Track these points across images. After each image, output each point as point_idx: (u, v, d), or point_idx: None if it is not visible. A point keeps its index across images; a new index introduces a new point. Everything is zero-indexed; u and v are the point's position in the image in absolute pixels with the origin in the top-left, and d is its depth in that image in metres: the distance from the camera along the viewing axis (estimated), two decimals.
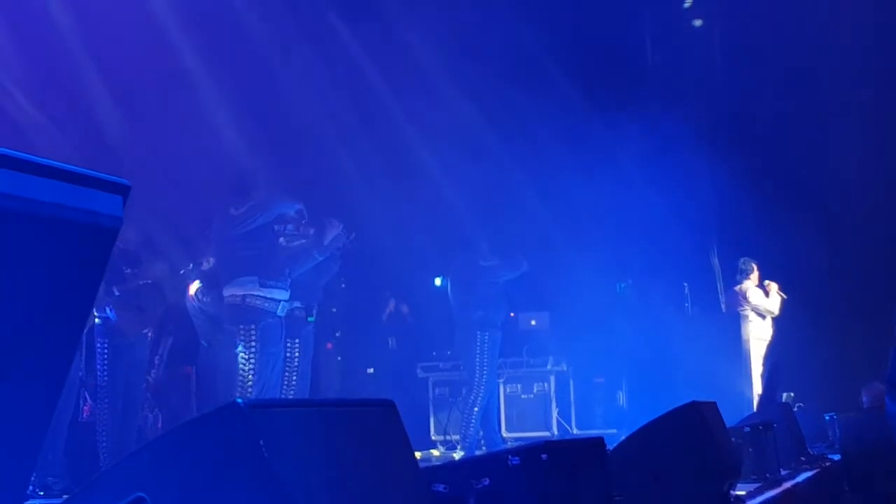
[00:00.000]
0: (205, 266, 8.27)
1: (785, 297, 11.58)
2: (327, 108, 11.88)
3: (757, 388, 11.06)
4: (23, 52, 9.59)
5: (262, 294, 7.25)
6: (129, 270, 7.67)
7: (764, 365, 11.21)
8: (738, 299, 11.66)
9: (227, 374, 7.51)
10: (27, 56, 9.61)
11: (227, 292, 7.36)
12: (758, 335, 11.55)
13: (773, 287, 11.60)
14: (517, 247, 10.17)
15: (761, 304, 11.51)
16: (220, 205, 7.55)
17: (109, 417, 7.64)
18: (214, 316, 8.08)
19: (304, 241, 8.01)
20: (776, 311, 11.59)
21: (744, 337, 11.50)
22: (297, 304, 8.05)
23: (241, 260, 7.33)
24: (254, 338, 7.19)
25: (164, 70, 10.49)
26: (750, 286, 11.61)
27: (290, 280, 7.49)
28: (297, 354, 8.30)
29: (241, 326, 7.22)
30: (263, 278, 7.26)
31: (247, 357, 7.19)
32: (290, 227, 7.84)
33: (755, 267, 11.72)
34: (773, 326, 11.67)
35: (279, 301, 7.36)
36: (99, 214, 1.77)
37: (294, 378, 8.25)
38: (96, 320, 7.62)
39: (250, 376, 7.18)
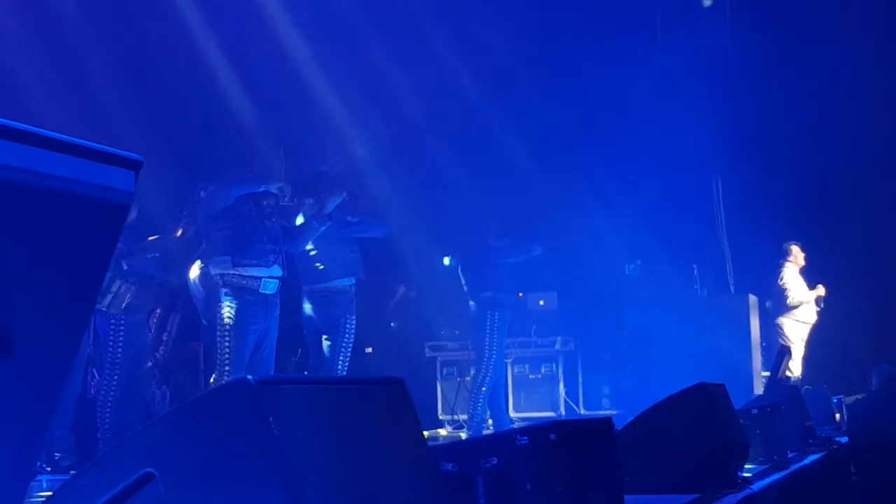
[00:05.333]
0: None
1: (821, 306, 11.74)
2: (342, 92, 11.79)
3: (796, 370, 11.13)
4: (24, 26, 9.54)
5: (236, 272, 7.23)
6: (132, 246, 7.67)
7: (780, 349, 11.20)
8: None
9: None
10: (29, 29, 9.56)
11: (211, 272, 7.40)
12: (798, 318, 11.59)
13: (820, 292, 11.73)
14: (528, 228, 10.16)
15: (791, 288, 11.54)
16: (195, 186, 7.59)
17: (116, 393, 7.66)
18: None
19: (302, 214, 7.93)
20: (803, 301, 11.68)
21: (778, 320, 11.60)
22: (352, 280, 8.12)
23: (214, 240, 7.35)
24: (230, 315, 7.18)
25: (171, 44, 10.45)
26: (790, 267, 11.62)
27: (275, 256, 7.38)
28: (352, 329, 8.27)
29: (219, 304, 7.24)
30: (236, 257, 7.20)
31: (222, 335, 7.18)
32: (269, 203, 7.64)
33: (793, 249, 11.72)
34: (816, 312, 11.71)
35: (260, 278, 7.31)
36: (112, 190, 1.76)
37: (349, 352, 8.23)
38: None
39: (227, 354, 7.17)
